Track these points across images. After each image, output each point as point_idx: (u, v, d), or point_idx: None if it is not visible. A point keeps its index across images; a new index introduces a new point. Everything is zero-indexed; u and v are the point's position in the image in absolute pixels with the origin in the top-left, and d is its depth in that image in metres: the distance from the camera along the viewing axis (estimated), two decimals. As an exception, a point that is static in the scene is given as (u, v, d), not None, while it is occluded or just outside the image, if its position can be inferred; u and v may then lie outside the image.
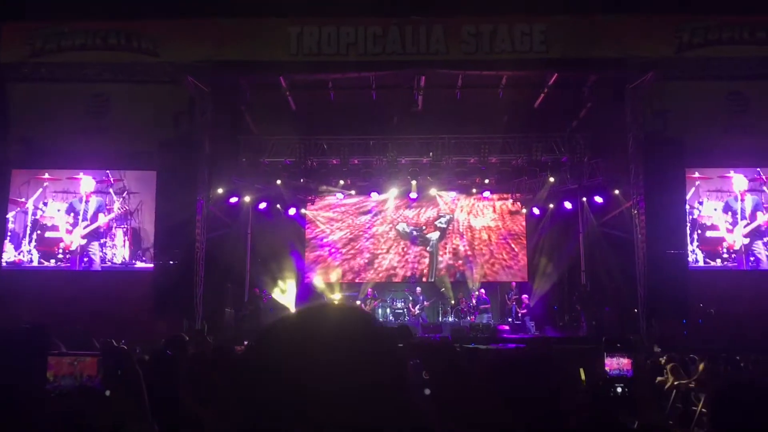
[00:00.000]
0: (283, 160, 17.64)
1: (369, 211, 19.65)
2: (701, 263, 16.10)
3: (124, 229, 16.43)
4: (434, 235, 19.49)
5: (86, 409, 1.45)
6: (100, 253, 16.29)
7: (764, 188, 16.46)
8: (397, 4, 14.98)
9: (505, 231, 19.55)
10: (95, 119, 16.18)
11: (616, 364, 4.37)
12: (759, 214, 16.34)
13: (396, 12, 14.89)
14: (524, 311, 17.65)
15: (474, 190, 18.84)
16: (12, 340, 1.62)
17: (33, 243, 16.23)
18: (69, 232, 16.30)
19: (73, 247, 16.25)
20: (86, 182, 16.51)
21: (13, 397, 1.41)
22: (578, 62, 15.21)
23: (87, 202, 16.45)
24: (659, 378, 9.61)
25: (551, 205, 18.69)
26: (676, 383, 9.18)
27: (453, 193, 19.32)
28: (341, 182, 18.37)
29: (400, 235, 19.50)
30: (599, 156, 17.26)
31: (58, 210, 16.38)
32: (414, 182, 18.11)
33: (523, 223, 19.51)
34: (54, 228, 16.32)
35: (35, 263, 16.15)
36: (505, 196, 19.45)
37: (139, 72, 15.43)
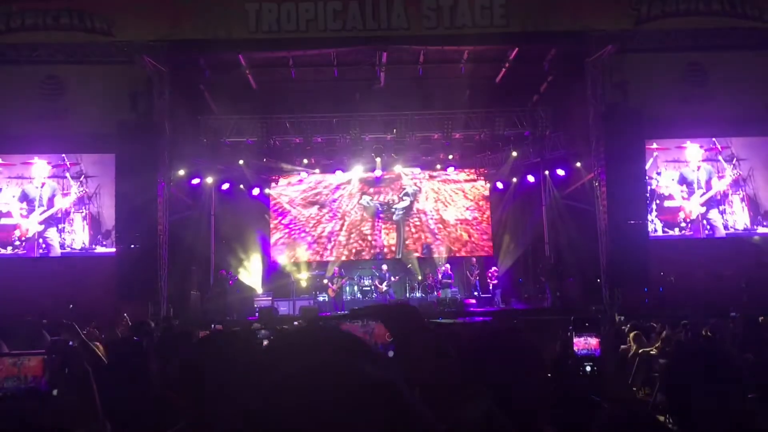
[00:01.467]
0: (245, 139, 17.43)
1: (334, 190, 19.57)
2: (660, 233, 16.43)
3: (83, 214, 16.08)
4: (399, 208, 19.52)
5: (32, 411, 1.39)
6: (59, 239, 15.94)
7: (719, 158, 16.82)
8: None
9: (469, 205, 19.67)
10: (49, 102, 15.72)
11: (584, 343, 4.45)
12: (714, 183, 16.71)
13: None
14: (495, 282, 17.84)
15: (438, 166, 18.89)
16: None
17: (-13, 230, 15.81)
18: (24, 217, 15.91)
19: (29, 234, 15.87)
20: (40, 167, 16.09)
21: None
22: (538, 36, 15.27)
23: (42, 187, 16.05)
24: (622, 346, 9.82)
25: (514, 179, 18.88)
26: (639, 351, 9.38)
27: (417, 170, 19.35)
28: (305, 161, 18.24)
29: (365, 209, 19.48)
30: (561, 129, 17.43)
31: (13, 196, 15.96)
32: (378, 159, 18.08)
33: (487, 198, 19.66)
34: (8, 215, 15.90)
35: (-9, 251, 15.75)
36: (469, 171, 19.55)
37: (93, 52, 15.01)
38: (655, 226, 16.39)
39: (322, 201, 19.58)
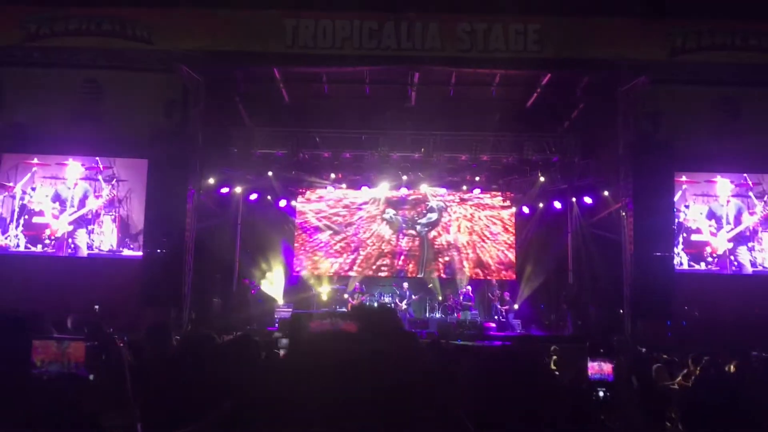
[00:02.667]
0: (274, 151, 17.63)
1: (359, 205, 19.66)
2: (686, 266, 16.25)
3: (113, 217, 16.36)
4: (423, 223, 19.54)
5: (71, 394, 1.47)
6: (87, 240, 16.22)
7: (750, 194, 16.62)
8: (394, 0, 14.96)
9: (493, 229, 19.62)
10: (87, 105, 16.07)
11: (598, 368, 4.44)
12: (744, 218, 16.50)
13: (392, 7, 14.87)
14: (506, 308, 17.75)
15: (464, 187, 18.90)
16: (3, 325, 1.64)
17: (20, 228, 16.14)
18: (55, 217, 16.22)
19: (59, 234, 16.17)
20: (74, 168, 16.42)
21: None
22: (571, 63, 15.26)
23: (74, 188, 16.37)
24: (641, 379, 9.70)
25: (541, 205, 18.80)
26: (659, 384, 9.25)
27: (443, 190, 19.37)
28: (332, 175, 18.38)
29: (388, 223, 19.50)
30: (590, 157, 17.36)
31: (46, 195, 16.30)
32: (405, 177, 18.16)
33: (513, 222, 19.60)
34: (40, 213, 16.24)
35: (22, 248, 16.07)
36: (495, 194, 19.52)
37: (132, 59, 15.33)
38: (681, 259, 16.21)
39: (347, 216, 19.67)
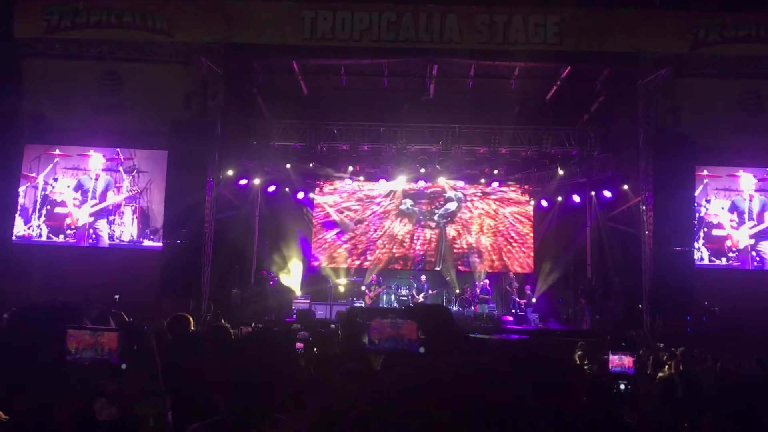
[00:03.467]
0: (293, 144, 17.71)
1: (377, 198, 19.68)
2: (706, 261, 16.09)
3: (133, 208, 16.51)
4: (441, 218, 19.52)
5: (104, 381, 1.51)
6: (108, 230, 16.39)
7: (773, 189, 16.40)
8: (412, -9, 14.93)
9: (512, 222, 19.56)
10: (107, 97, 16.21)
11: (619, 361, 4.43)
12: (766, 215, 16.30)
13: (411, -1, 14.85)
14: (524, 301, 17.70)
15: (482, 180, 18.85)
16: (41, 313, 1.68)
17: (42, 218, 16.35)
18: (77, 207, 16.41)
19: (80, 224, 16.36)
20: (95, 159, 16.58)
21: (33, 366, 1.47)
22: (591, 56, 15.15)
23: (96, 179, 16.54)
24: (660, 374, 9.65)
25: (559, 198, 18.71)
26: (672, 375, 9.21)
27: (461, 183, 19.33)
28: (350, 168, 18.41)
29: (406, 214, 19.49)
30: (609, 150, 17.24)
31: (68, 186, 16.48)
32: (422, 170, 18.14)
33: (531, 215, 19.52)
34: (62, 204, 16.43)
35: (44, 238, 16.27)
36: (513, 187, 19.45)
37: (152, 51, 15.45)
38: (701, 254, 16.05)
39: (364, 208, 19.69)
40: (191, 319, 4.78)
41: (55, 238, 16.30)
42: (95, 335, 1.54)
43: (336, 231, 19.60)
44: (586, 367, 8.05)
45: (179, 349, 3.42)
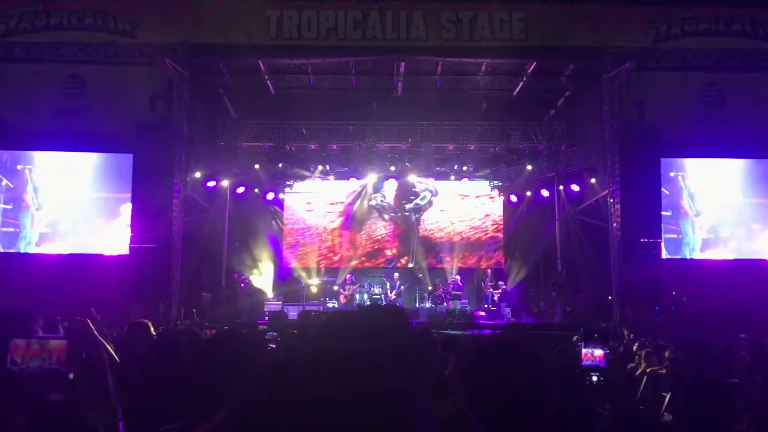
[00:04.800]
0: (261, 144, 17.59)
1: (347, 196, 19.63)
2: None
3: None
4: (411, 213, 19.57)
5: (53, 391, 1.46)
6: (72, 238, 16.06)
7: (733, 180, 16.67)
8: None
9: (482, 217, 19.66)
10: (71, 100, 15.90)
11: (591, 354, 4.47)
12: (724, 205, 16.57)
13: (376, -3, 14.83)
14: (498, 294, 17.81)
15: (452, 177, 18.91)
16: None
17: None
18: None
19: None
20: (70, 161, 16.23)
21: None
22: (556, 51, 15.30)
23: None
24: (631, 364, 9.77)
25: (528, 193, 18.86)
26: (648, 370, 9.33)
27: (431, 180, 19.38)
28: (320, 167, 18.34)
29: (377, 210, 19.49)
30: (576, 144, 17.42)
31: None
32: (392, 168, 18.15)
33: (501, 210, 19.64)
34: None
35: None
36: (482, 183, 19.55)
37: (115, 53, 15.20)
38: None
39: (335, 207, 19.64)
40: (150, 325, 4.70)
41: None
42: (43, 343, 1.49)
43: (307, 231, 19.51)
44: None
45: (152, 353, 3.36)
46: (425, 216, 19.67)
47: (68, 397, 1.38)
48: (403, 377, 0.81)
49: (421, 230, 19.58)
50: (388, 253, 19.48)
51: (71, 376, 1.38)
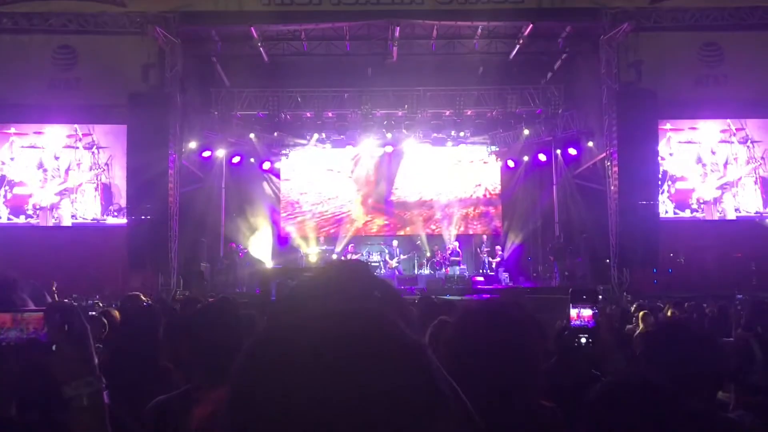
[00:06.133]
0: (256, 113, 17.43)
1: (344, 164, 19.53)
2: (671, 214, 16.35)
3: (95, 185, 16.19)
4: (409, 186, 19.52)
5: (33, 360, 1.44)
6: (71, 209, 16.07)
7: (733, 139, 16.65)
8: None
9: (480, 183, 19.60)
10: (62, 72, 15.76)
11: (579, 315, 4.47)
12: (730, 167, 16.56)
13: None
14: (498, 260, 17.86)
15: (449, 143, 18.80)
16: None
17: (0, 199, 15.94)
18: (41, 188, 16.04)
19: (44, 203, 16.01)
20: (53, 136, 16.16)
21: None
22: (553, 12, 15.11)
23: (57, 158, 16.14)
24: (628, 326, 9.82)
25: (526, 158, 18.77)
26: (646, 331, 9.37)
27: (428, 146, 19.25)
28: (315, 135, 18.21)
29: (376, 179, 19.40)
30: (574, 108, 17.29)
31: (27, 166, 16.07)
32: (389, 135, 18.03)
33: (498, 175, 19.58)
34: (21, 184, 16.03)
35: (4, 219, 15.89)
36: (480, 148, 19.45)
37: (105, 23, 15.00)
38: (666, 207, 16.30)
39: (332, 175, 19.56)
40: (143, 297, 4.71)
41: (15, 220, 15.92)
42: (20, 314, 1.47)
43: (304, 199, 19.46)
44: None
45: (133, 324, 3.36)
46: (423, 183, 19.56)
47: (48, 367, 1.37)
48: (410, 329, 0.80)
49: (419, 197, 19.51)
50: (386, 220, 19.44)
51: (54, 347, 1.37)
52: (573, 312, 4.15)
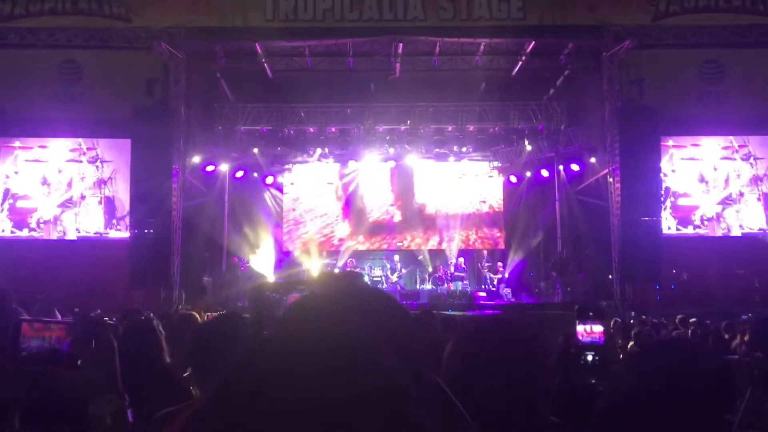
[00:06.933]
0: (259, 128, 17.49)
1: (346, 179, 19.57)
2: (673, 230, 16.34)
3: (98, 199, 16.23)
4: (412, 200, 19.54)
5: (58, 374, 1.44)
6: (75, 223, 16.10)
7: (736, 156, 16.68)
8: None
9: (482, 198, 19.62)
10: (67, 86, 15.85)
11: (588, 331, 4.44)
12: (731, 182, 16.58)
13: (373, -23, 14.70)
14: (498, 277, 17.83)
15: (451, 158, 18.83)
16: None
17: (5, 212, 15.98)
18: (44, 201, 16.08)
19: (47, 217, 16.04)
20: (57, 150, 16.23)
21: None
22: (555, 30, 15.20)
23: (60, 172, 16.20)
24: (631, 343, 9.80)
25: (528, 173, 18.80)
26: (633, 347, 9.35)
27: (431, 161, 19.28)
28: (318, 150, 18.26)
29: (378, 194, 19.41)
30: (576, 124, 17.34)
31: (31, 180, 16.12)
32: (391, 150, 18.08)
33: (501, 191, 19.60)
34: (26, 197, 16.08)
35: (7, 233, 15.92)
36: (482, 164, 19.48)
37: (111, 38, 15.11)
38: (668, 223, 16.30)
39: (334, 190, 19.60)
40: (143, 312, 4.72)
41: (19, 233, 15.95)
42: (43, 324, 1.48)
43: (307, 214, 19.49)
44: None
45: (133, 338, 3.37)
46: (425, 198, 19.59)
47: (75, 384, 1.38)
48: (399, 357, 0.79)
49: (421, 211, 19.52)
50: (389, 235, 19.43)
51: (79, 362, 1.37)
52: (580, 328, 4.14)
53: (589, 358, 4.06)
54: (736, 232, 16.40)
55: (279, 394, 0.72)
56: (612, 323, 9.03)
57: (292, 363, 0.75)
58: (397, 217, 19.55)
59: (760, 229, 16.37)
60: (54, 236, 16.01)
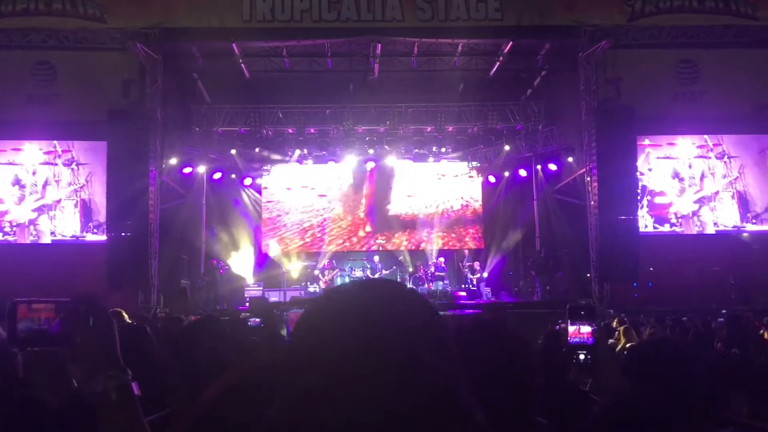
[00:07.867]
0: (237, 129, 17.39)
1: (325, 180, 19.52)
2: (650, 228, 16.52)
3: (74, 202, 16.00)
4: (392, 202, 19.53)
5: (57, 353, 1.41)
6: (50, 226, 15.86)
7: (711, 155, 16.91)
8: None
9: (461, 199, 19.68)
10: (41, 87, 15.60)
11: (578, 332, 4.46)
12: (706, 181, 16.80)
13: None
14: (477, 276, 17.89)
15: (430, 159, 18.88)
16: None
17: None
18: (16, 204, 15.82)
19: (21, 220, 15.79)
20: (31, 153, 15.98)
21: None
22: (532, 30, 15.30)
23: (34, 174, 15.95)
24: (610, 340, 9.88)
25: (506, 173, 18.91)
26: (627, 345, 9.43)
27: (410, 162, 19.30)
28: (297, 151, 18.19)
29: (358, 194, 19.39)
30: (553, 124, 17.47)
31: (3, 182, 15.85)
32: (371, 151, 18.07)
33: (480, 191, 19.67)
34: (-1, 200, 15.82)
35: (-20, 237, 15.64)
36: (461, 164, 19.54)
37: (85, 39, 14.90)
38: (645, 222, 16.47)
39: (313, 192, 19.52)
40: (124, 313, 4.64)
41: (-8, 237, 15.67)
42: (34, 306, 1.44)
43: (285, 215, 19.40)
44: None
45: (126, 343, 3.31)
46: (404, 198, 19.60)
47: (75, 362, 1.34)
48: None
49: (400, 212, 19.53)
50: (368, 235, 19.41)
51: (78, 340, 1.33)
52: (571, 329, 4.14)
53: (581, 357, 4.06)
54: (710, 230, 16.61)
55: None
56: (622, 329, 9.10)
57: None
58: (378, 218, 19.53)
59: (734, 227, 16.61)
60: (28, 240, 15.76)
